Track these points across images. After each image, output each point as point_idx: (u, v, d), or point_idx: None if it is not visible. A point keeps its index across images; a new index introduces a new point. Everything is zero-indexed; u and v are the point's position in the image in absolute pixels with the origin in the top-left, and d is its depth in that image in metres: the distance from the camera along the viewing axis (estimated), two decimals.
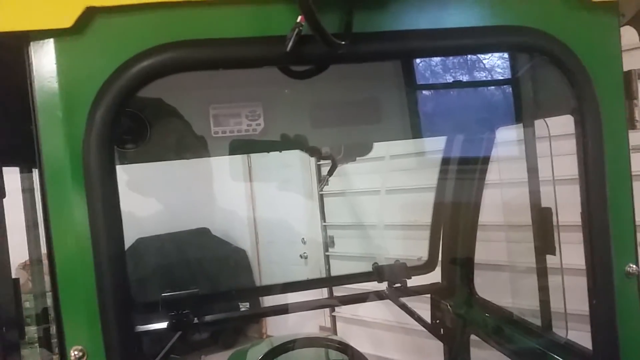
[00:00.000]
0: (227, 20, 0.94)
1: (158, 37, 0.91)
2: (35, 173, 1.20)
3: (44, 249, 1.44)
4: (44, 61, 0.89)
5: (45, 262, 1.12)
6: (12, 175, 1.74)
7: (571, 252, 1.49)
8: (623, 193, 1.12)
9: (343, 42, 0.92)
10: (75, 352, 0.91)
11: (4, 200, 1.38)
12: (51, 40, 0.89)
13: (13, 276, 1.50)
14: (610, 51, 1.10)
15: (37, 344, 1.87)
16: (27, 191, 1.81)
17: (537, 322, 1.76)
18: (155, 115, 1.44)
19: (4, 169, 1.61)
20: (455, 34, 1.02)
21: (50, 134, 0.90)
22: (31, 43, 0.89)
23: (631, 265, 1.12)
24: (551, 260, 1.67)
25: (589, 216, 1.10)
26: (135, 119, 1.41)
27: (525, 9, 1.05)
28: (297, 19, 0.89)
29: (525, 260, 1.97)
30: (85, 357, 0.91)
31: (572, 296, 1.52)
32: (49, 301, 1.74)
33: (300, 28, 0.89)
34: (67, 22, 0.87)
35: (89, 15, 0.88)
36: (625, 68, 1.14)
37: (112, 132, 0.91)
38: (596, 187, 1.09)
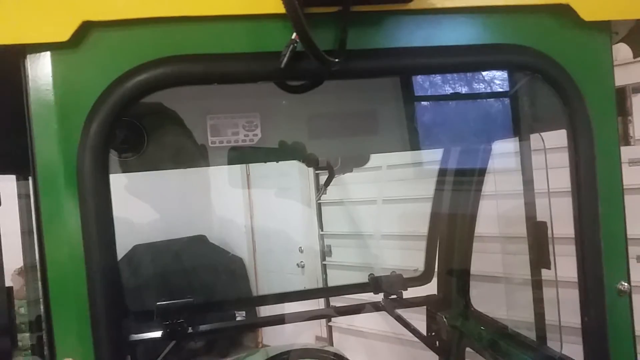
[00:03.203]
0: (222, 36, 0.95)
1: (153, 51, 0.92)
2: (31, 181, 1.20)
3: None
4: (40, 74, 0.90)
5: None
6: (9, 183, 1.75)
7: (567, 265, 1.49)
8: (615, 209, 1.12)
9: (337, 60, 0.93)
10: None
11: (0, 207, 1.39)
12: (48, 53, 0.89)
13: (9, 283, 1.50)
14: (603, 69, 1.11)
15: (30, 352, 1.86)
16: (24, 198, 1.81)
17: (532, 335, 1.75)
18: (152, 125, 1.45)
19: (1, 176, 1.62)
20: (449, 52, 1.03)
21: (45, 145, 0.90)
22: (28, 56, 0.90)
23: (623, 283, 1.11)
24: (547, 273, 1.67)
25: (580, 232, 1.10)
26: (132, 128, 1.42)
27: (518, 28, 1.06)
28: (291, 35, 0.90)
29: (520, 272, 1.96)
30: None
31: (568, 310, 1.52)
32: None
33: (295, 45, 0.90)
34: (64, 36, 0.88)
35: (86, 29, 0.89)
36: (620, 82, 1.14)
37: (106, 145, 0.92)
38: (588, 203, 1.10)
